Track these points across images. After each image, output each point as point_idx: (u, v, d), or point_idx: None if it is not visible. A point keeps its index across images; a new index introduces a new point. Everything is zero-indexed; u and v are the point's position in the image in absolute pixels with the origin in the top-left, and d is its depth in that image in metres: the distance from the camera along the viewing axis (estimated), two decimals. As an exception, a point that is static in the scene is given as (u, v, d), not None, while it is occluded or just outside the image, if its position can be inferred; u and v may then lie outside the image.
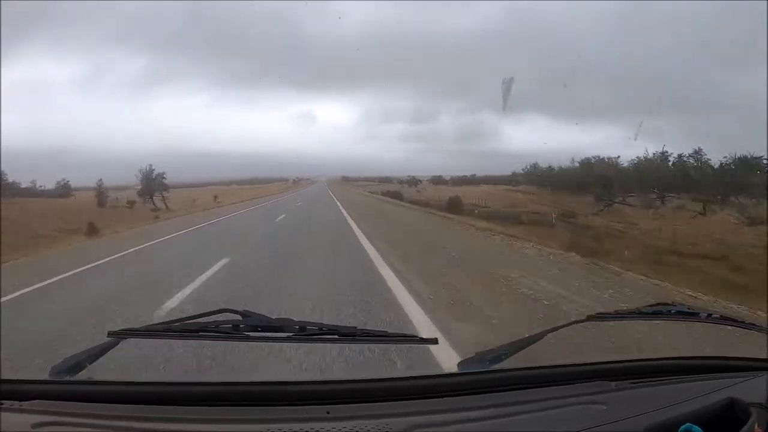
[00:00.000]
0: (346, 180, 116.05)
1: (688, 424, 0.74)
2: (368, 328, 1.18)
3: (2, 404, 0.83)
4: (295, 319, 1.06)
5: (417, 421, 0.81)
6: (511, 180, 38.38)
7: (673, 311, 1.13)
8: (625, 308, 1.30)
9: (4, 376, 0.93)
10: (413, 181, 55.26)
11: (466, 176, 52.74)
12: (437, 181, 57.55)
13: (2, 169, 27.89)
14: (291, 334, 1.03)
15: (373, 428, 0.76)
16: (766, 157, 18.74)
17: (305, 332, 1.04)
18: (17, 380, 0.94)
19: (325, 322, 1.10)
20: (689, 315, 1.16)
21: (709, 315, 1.13)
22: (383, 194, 35.96)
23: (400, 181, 76.74)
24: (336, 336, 1.08)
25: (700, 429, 0.73)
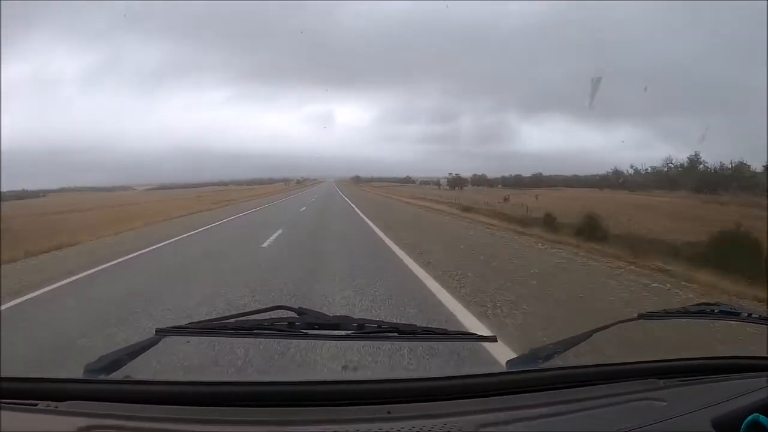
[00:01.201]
0: (357, 181, 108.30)
1: (755, 414, 0.75)
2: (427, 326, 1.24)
3: (37, 405, 0.80)
4: (353, 316, 1.08)
5: (481, 419, 0.80)
6: (600, 182, 31.90)
7: (716, 311, 1.15)
8: (672, 308, 1.28)
9: (36, 374, 0.88)
10: (456, 181, 45.49)
11: (506, 177, 46.28)
12: (477, 181, 47.00)
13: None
14: (349, 332, 1.02)
15: (435, 428, 0.75)
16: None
17: (363, 330, 1.02)
18: (51, 379, 0.88)
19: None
20: (731, 314, 1.17)
21: (750, 315, 1.13)
22: (435, 204, 24.06)
23: (424, 182, 68.14)
24: (396, 333, 1.05)
25: (767, 419, 0.74)
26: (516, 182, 49.36)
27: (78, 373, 0.94)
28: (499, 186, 50.01)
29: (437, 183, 51.82)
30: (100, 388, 0.87)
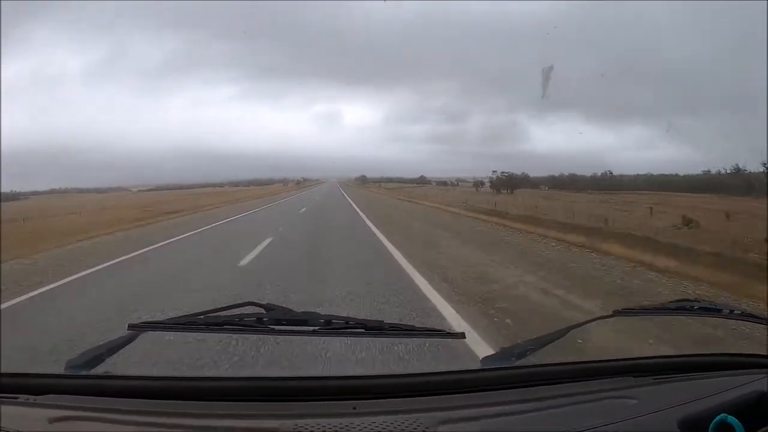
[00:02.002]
0: (364, 181, 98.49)
1: (723, 414, 0.74)
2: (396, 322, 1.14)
3: (17, 398, 0.82)
4: (320, 312, 1.06)
5: (445, 416, 0.79)
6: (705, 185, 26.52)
7: (696, 307, 1.13)
8: (649, 305, 1.25)
9: (18, 370, 0.90)
10: (505, 182, 37.94)
11: (555, 176, 40.96)
12: (508, 183, 36.78)
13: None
14: (316, 327, 1.02)
15: (400, 424, 0.75)
16: None
17: (331, 326, 1.03)
18: (31, 374, 0.91)
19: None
20: (712, 311, 1.15)
21: (732, 311, 1.13)
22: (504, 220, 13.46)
23: (441, 182, 58.52)
24: (362, 330, 1.05)
25: (735, 419, 0.72)
26: (569, 183, 38.36)
27: (60, 370, 0.95)
28: (545, 187, 40.83)
29: (478, 183, 41.82)
30: (79, 383, 0.89)
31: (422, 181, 68.51)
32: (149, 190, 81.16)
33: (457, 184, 58.85)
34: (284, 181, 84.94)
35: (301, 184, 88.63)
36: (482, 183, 43.10)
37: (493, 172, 40.35)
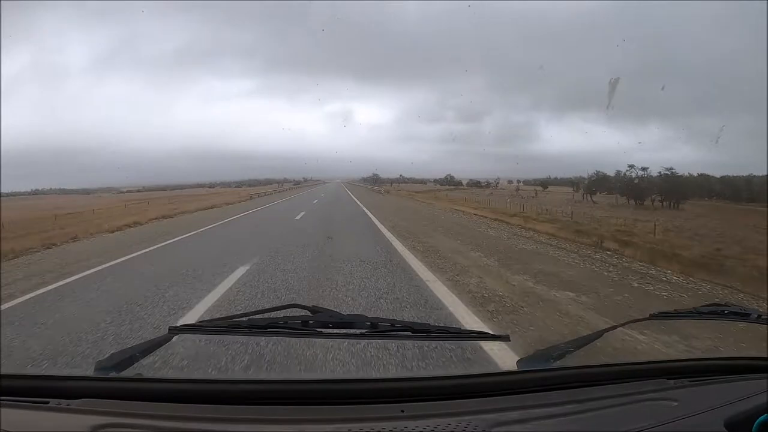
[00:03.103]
0: (376, 182, 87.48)
1: (766, 414, 0.75)
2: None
3: (48, 403, 0.78)
4: (367, 315, 1.06)
5: (495, 418, 0.79)
6: None
7: (726, 311, 1.14)
8: (683, 309, 1.27)
9: (48, 372, 0.95)
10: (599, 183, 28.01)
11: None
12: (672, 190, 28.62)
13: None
14: (363, 330, 1.01)
15: (451, 427, 0.74)
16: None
17: (377, 328, 1.01)
18: (62, 376, 0.88)
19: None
20: (741, 315, 1.14)
21: (760, 316, 1.12)
22: None
23: (474, 183, 49.47)
24: (409, 332, 1.04)
25: None
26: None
27: (89, 372, 0.92)
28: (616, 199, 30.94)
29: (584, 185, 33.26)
30: (112, 386, 0.86)
31: (450, 182, 58.81)
32: (138, 190, 78.19)
33: (497, 185, 49.19)
34: (280, 183, 76.71)
35: (299, 185, 79.01)
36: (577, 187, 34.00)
37: (597, 172, 31.33)
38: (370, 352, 2.73)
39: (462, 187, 51.31)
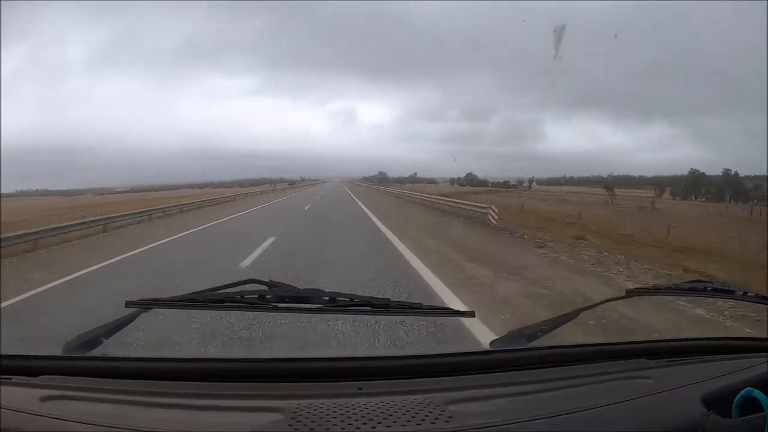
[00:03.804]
0: (383, 181, 78.67)
1: (749, 388, 0.71)
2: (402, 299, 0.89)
3: (11, 379, 0.82)
4: (324, 289, 1.02)
5: (453, 396, 0.78)
6: None
7: (709, 288, 1.11)
8: (662, 285, 1.12)
9: (14, 352, 0.90)
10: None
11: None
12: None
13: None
14: (320, 305, 0.99)
15: (407, 404, 0.73)
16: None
17: (335, 303, 1.00)
18: (27, 356, 0.90)
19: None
20: (725, 292, 1.13)
21: (745, 293, 1.08)
22: None
23: (499, 184, 41.07)
24: (368, 308, 1.02)
25: (761, 393, 0.69)
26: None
27: (57, 352, 0.94)
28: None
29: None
30: (73, 364, 0.89)
31: (472, 182, 49.74)
32: (128, 191, 73.99)
33: (530, 186, 41.30)
34: (272, 182, 72.18)
35: (294, 185, 74.92)
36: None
37: (693, 171, 24.45)
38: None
39: (488, 188, 42.48)
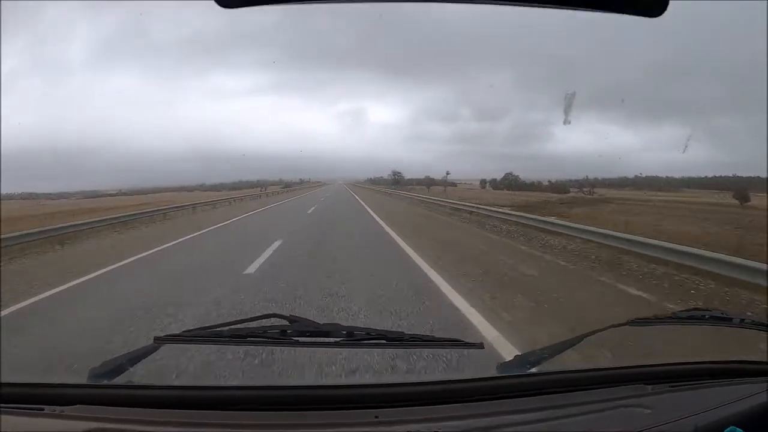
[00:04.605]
0: (396, 183, 69.23)
1: (732, 427, 0.75)
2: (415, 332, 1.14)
3: (43, 410, 0.81)
4: (342, 324, 1.09)
5: (467, 424, 0.80)
6: None
7: (707, 316, 1.14)
8: (662, 314, 1.23)
9: (42, 380, 0.90)
10: None
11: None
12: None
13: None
14: (339, 339, 1.03)
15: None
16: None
17: (353, 337, 1.04)
18: (56, 384, 0.90)
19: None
20: (723, 320, 1.15)
21: (742, 320, 1.12)
22: None
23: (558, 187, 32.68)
24: (384, 341, 1.07)
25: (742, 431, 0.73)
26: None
27: (82, 379, 0.94)
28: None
29: None
30: (103, 393, 0.89)
31: (511, 183, 40.29)
32: (121, 194, 67.64)
33: (591, 191, 33.19)
34: (263, 185, 60.86)
35: (289, 188, 65.02)
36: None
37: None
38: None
39: (568, 194, 32.81)
